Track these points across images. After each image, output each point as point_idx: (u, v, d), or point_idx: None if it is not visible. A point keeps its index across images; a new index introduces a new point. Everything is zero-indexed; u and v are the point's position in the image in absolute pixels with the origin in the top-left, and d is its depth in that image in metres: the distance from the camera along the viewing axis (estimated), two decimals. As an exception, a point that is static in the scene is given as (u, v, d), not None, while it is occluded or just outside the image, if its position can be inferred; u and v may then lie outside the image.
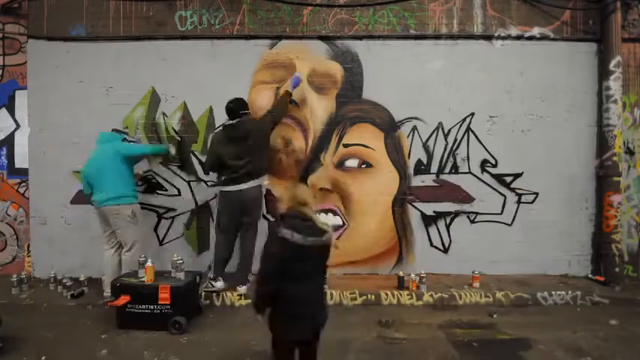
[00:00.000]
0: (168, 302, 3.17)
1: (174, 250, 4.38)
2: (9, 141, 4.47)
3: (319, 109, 4.35)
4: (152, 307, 3.19)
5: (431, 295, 3.86)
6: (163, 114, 4.38)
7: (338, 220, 4.40)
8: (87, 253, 4.25)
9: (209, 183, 4.40)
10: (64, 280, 3.99)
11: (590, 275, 4.36)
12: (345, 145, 4.36)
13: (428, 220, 4.43)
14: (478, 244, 4.40)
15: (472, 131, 4.39)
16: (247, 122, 3.77)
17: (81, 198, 4.37)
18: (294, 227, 1.93)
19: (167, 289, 3.18)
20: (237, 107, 3.75)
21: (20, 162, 4.45)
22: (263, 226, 4.11)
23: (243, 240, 3.91)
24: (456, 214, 4.42)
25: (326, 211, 4.38)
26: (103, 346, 2.93)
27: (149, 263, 3.32)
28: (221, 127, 3.99)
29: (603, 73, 4.27)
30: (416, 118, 4.38)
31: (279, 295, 1.95)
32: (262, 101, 4.35)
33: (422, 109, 4.37)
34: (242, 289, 3.80)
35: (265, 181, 3.95)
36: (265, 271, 1.99)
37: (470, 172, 4.41)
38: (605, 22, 4.25)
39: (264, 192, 3.94)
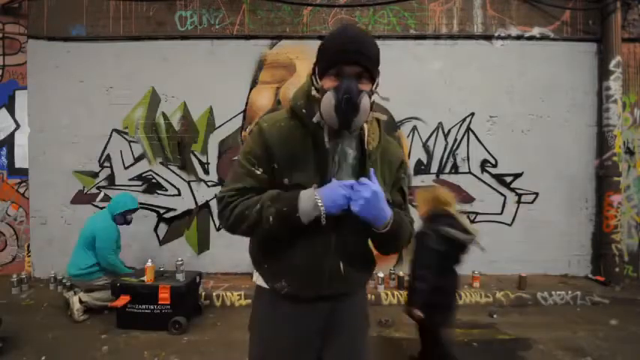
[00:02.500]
0: (168, 302, 3.17)
1: (174, 250, 4.39)
2: (9, 141, 4.47)
3: (319, 109, 4.34)
4: (152, 307, 3.19)
5: (431, 295, 3.85)
6: (163, 114, 4.38)
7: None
8: (87, 253, 4.25)
9: (209, 183, 4.41)
10: (64, 280, 3.99)
11: (590, 275, 4.36)
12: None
13: (428, 220, 4.42)
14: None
15: (472, 131, 4.39)
16: None
17: (81, 198, 4.39)
18: (451, 225, 2.02)
19: (167, 289, 3.18)
20: None
21: (20, 162, 4.46)
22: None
23: None
24: (456, 214, 4.42)
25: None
26: (103, 346, 2.92)
27: (149, 263, 3.32)
28: None
29: (603, 73, 4.27)
30: (416, 118, 4.38)
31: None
32: (262, 101, 4.35)
33: (422, 109, 4.36)
34: None
35: None
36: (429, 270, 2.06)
37: (470, 172, 4.41)
38: (605, 22, 4.25)
39: None
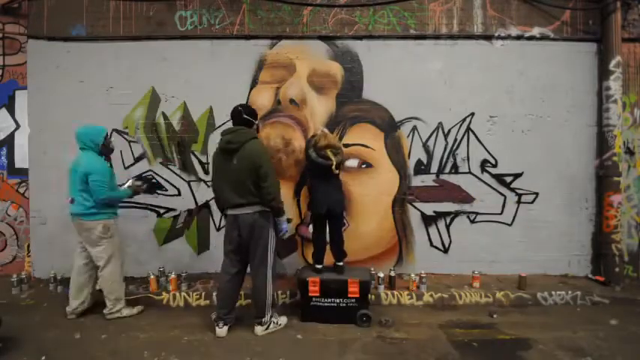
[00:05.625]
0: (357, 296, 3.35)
1: (174, 250, 4.40)
2: (9, 141, 4.47)
3: (319, 109, 4.35)
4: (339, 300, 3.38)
5: (431, 295, 3.86)
6: (163, 114, 4.38)
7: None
8: (87, 253, 4.25)
9: (209, 183, 4.41)
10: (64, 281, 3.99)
11: (590, 275, 4.36)
12: (345, 145, 4.35)
13: (428, 220, 4.43)
14: (478, 244, 4.40)
15: (472, 131, 4.40)
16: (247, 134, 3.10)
17: (81, 198, 4.38)
18: (317, 153, 3.47)
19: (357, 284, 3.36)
20: (245, 111, 3.16)
21: (20, 162, 4.46)
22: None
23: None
24: (456, 214, 4.42)
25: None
26: (103, 346, 2.93)
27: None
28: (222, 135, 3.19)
29: (603, 73, 4.27)
30: (416, 118, 4.38)
31: (313, 185, 3.63)
32: (262, 101, 4.35)
33: (422, 109, 4.37)
34: (257, 329, 3.16)
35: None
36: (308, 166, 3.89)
37: (470, 172, 4.41)
38: (605, 22, 4.25)
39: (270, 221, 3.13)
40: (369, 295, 3.54)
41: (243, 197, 3.04)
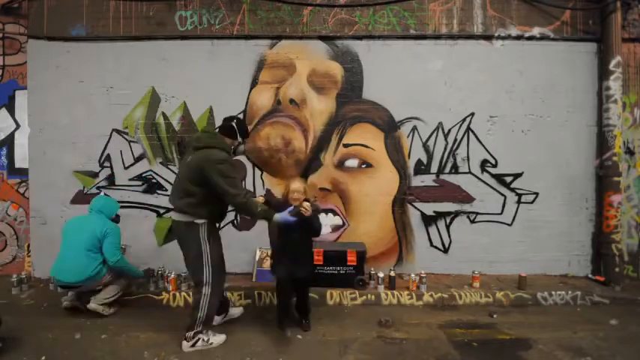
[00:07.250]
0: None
1: (174, 250, 4.38)
2: (9, 141, 4.47)
3: (319, 109, 4.35)
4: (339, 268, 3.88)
5: (431, 295, 3.86)
6: (163, 114, 4.38)
7: (338, 220, 4.40)
8: (87, 253, 4.25)
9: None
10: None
11: (590, 275, 4.36)
12: (345, 145, 4.36)
13: (428, 220, 4.43)
14: (478, 244, 4.40)
15: (472, 131, 4.40)
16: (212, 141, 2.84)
17: (81, 198, 4.39)
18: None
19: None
20: (228, 124, 2.97)
21: (20, 162, 4.46)
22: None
23: None
24: (456, 214, 4.42)
25: (326, 211, 4.38)
26: (103, 346, 2.93)
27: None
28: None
29: (603, 73, 4.27)
30: (416, 118, 4.38)
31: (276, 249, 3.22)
32: (262, 101, 4.35)
33: (422, 109, 4.37)
34: (183, 344, 2.86)
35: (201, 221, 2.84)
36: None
37: (470, 172, 4.41)
38: (605, 22, 4.25)
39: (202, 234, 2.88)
40: (365, 264, 3.99)
41: (175, 201, 2.85)
